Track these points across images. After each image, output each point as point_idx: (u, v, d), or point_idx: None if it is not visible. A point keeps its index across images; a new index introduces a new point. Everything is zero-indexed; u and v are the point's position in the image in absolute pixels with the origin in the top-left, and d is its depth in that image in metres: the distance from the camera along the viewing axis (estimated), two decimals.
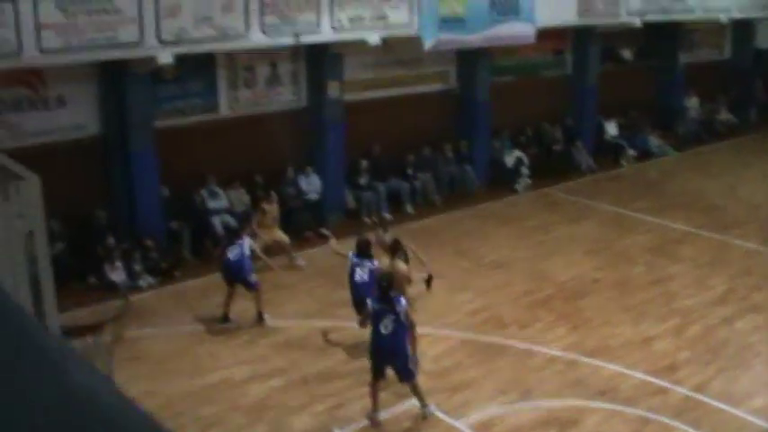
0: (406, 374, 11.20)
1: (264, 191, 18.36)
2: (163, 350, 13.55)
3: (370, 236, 14.68)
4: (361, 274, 13.13)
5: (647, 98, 27.61)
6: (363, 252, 13.46)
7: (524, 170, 23.01)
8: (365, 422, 11.33)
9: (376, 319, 11.11)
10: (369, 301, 11.57)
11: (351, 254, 13.49)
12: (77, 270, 16.10)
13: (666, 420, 11.37)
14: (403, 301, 11.21)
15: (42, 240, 4.31)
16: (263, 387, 12.38)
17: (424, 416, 11.36)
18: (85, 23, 14.52)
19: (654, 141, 26.50)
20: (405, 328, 11.17)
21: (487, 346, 13.55)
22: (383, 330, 10.98)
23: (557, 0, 21.35)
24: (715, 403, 11.85)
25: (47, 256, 4.33)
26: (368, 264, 13.27)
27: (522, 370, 12.80)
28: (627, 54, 27.40)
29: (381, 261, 13.64)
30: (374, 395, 11.29)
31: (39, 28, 14.01)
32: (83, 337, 5.56)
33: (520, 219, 20.27)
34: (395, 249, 13.75)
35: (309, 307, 15.27)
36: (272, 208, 17.40)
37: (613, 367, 12.89)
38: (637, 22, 24.24)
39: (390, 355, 11.16)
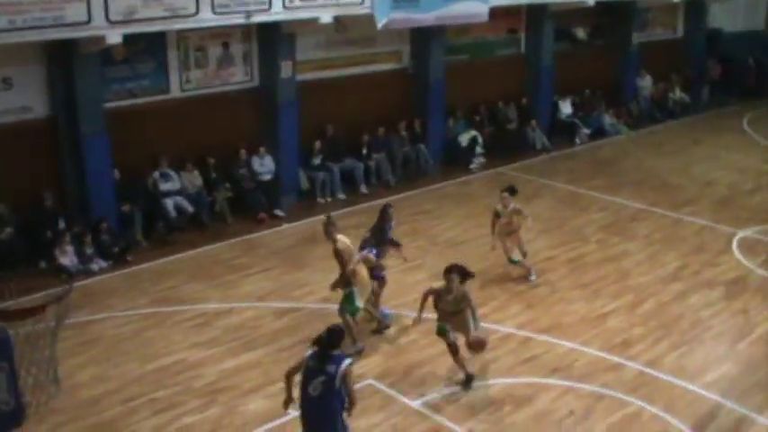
0: None
1: (217, 172, 18.28)
2: (115, 334, 13.40)
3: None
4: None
5: (602, 77, 27.71)
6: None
7: (479, 149, 23.04)
8: None
9: (306, 377, 8.86)
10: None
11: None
12: (28, 255, 15.88)
13: (620, 396, 11.43)
14: (345, 363, 8.81)
15: None
16: (217, 369, 12.28)
17: None
18: (31, 2, 14.24)
19: (608, 120, 26.63)
20: (338, 396, 8.84)
21: None
22: (311, 392, 8.76)
23: None
24: (668, 378, 11.94)
25: None
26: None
27: None
28: (581, 33, 27.48)
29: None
30: None
31: None
32: (23, 321, 5.44)
33: (474, 198, 20.26)
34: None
35: (264, 288, 15.17)
36: None
37: (567, 344, 12.95)
38: (590, 1, 24.28)
39: (314, 423, 8.97)
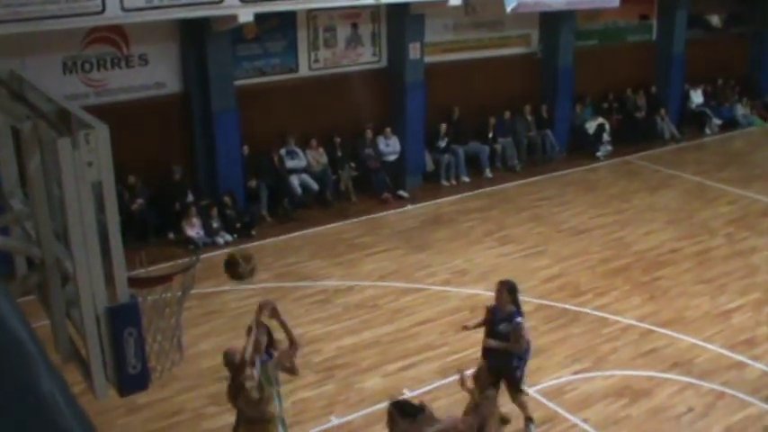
0: None
1: (342, 151, 18.48)
2: (238, 306, 13.69)
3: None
4: None
5: (736, 67, 26.90)
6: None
7: (606, 137, 22.67)
8: (436, 383, 11.34)
9: None
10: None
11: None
12: (157, 226, 16.38)
13: (742, 396, 11.15)
14: None
15: (110, 188, 4.36)
16: (335, 346, 12.45)
17: None
18: None
19: (740, 111, 25.88)
20: None
21: (562, 313, 13.43)
22: None
23: None
24: None
25: (114, 204, 4.38)
26: None
27: (597, 338, 12.66)
28: (715, 21, 26.72)
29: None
30: None
31: None
32: (151, 289, 5.64)
33: (600, 186, 20.01)
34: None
35: (386, 268, 15.29)
36: None
37: (689, 339, 12.68)
38: None
39: None
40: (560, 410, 10.84)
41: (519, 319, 9.89)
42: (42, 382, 1.74)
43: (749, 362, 12.05)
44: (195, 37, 16.50)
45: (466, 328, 10.77)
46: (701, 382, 11.47)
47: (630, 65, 24.10)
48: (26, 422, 1.69)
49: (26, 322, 1.90)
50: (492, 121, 20.95)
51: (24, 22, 13.46)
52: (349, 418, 10.72)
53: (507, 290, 10.06)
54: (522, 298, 13.56)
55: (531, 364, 11.79)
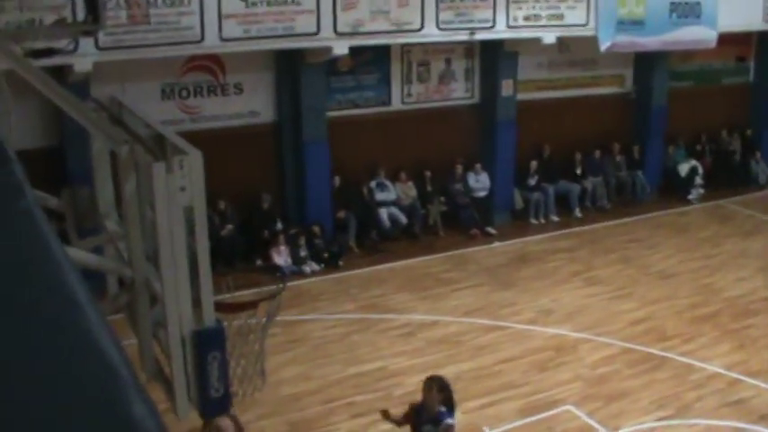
0: None
1: (432, 186, 18.52)
2: (322, 336, 13.79)
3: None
4: None
5: None
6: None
7: (698, 180, 22.31)
8: (516, 422, 11.25)
9: None
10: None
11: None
12: (245, 252, 16.60)
13: None
14: None
15: (202, 213, 4.46)
16: (418, 379, 12.37)
17: None
18: (265, 13, 14.93)
19: None
20: None
21: (647, 358, 13.21)
22: None
23: (741, 3, 20.56)
24: None
25: (205, 229, 4.48)
26: None
27: (682, 385, 12.41)
28: None
29: None
30: None
31: (221, 17, 14.51)
32: (237, 315, 5.73)
33: (691, 230, 19.69)
34: None
35: (471, 304, 15.25)
36: None
37: None
38: None
39: None
40: None
41: (449, 421, 8.48)
42: (134, 408, 1.78)
43: None
44: (290, 67, 16.77)
45: (385, 413, 8.94)
46: None
47: (725, 107, 23.72)
48: None
49: (119, 345, 1.96)
50: (578, 157, 20.77)
51: (126, 49, 13.87)
52: None
53: (438, 387, 8.62)
54: (606, 340, 13.53)
55: (614, 408, 11.67)
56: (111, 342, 1.93)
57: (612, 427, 11.26)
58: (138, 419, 1.70)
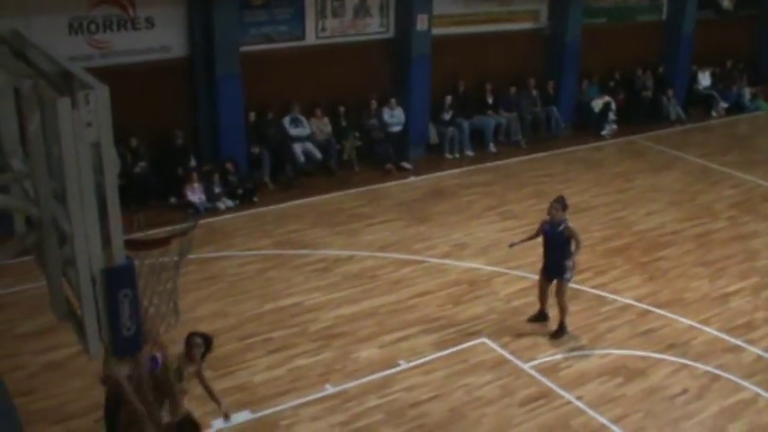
0: None
1: (347, 121, 18.41)
2: (237, 272, 13.72)
3: None
4: None
5: (745, 50, 26.78)
6: None
7: (612, 116, 22.59)
8: (432, 355, 11.37)
9: None
10: None
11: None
12: (159, 190, 16.36)
13: (736, 380, 11.16)
14: None
15: (109, 149, 4.35)
16: (333, 315, 12.46)
17: None
18: None
19: (748, 95, 25.78)
20: None
21: None
22: None
23: None
24: None
25: (112, 165, 4.37)
26: None
27: (594, 316, 12.67)
28: (726, 3, 26.55)
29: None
30: None
31: None
32: (148, 252, 5.63)
33: (604, 165, 19.96)
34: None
35: (386, 239, 15.29)
36: None
37: (686, 321, 12.68)
38: None
39: None
40: (555, 387, 10.85)
41: (568, 223, 11.98)
42: None
43: (745, 346, 12.06)
44: (202, 1, 16.41)
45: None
46: (697, 364, 11.48)
47: (638, 44, 23.97)
48: None
49: None
50: (496, 95, 20.87)
51: None
52: (344, 386, 10.74)
53: (562, 206, 12.19)
54: (520, 273, 13.72)
55: (528, 340, 11.86)
56: None
57: (526, 358, 11.45)
58: None
